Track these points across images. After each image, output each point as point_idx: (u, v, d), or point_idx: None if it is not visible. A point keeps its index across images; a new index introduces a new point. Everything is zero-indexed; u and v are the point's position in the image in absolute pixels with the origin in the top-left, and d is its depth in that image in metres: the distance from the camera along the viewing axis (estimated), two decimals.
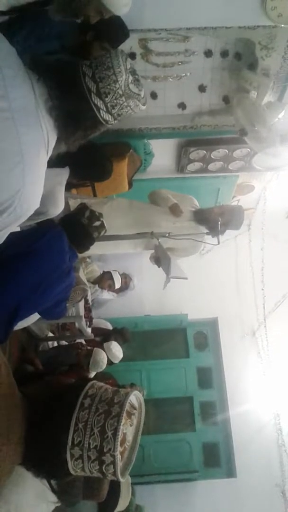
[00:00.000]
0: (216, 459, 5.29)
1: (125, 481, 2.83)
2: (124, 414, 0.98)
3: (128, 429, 1.01)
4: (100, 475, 0.98)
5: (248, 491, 4.84)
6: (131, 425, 1.03)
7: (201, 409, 5.47)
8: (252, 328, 5.56)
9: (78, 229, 2.28)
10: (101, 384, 1.07)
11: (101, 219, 2.32)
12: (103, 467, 0.95)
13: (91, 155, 2.61)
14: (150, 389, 5.30)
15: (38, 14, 2.34)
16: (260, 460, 4.99)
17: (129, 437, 1.02)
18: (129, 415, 1.03)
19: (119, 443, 0.95)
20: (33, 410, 1.01)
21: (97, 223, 2.30)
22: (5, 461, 0.93)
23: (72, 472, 0.98)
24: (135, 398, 1.07)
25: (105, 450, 0.95)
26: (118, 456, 0.95)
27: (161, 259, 3.32)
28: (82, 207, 2.35)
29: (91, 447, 0.95)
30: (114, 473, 0.96)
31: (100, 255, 4.91)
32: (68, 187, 2.74)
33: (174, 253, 3.49)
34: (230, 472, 5.12)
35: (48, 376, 3.22)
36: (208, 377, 5.63)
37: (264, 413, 5.19)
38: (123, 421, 0.97)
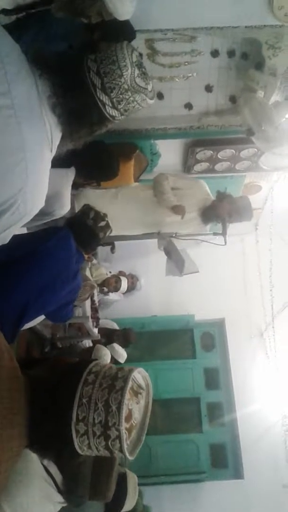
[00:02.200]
0: (223, 460, 5.28)
1: (132, 481, 2.82)
2: (128, 389, 0.97)
3: (134, 406, 1.00)
4: (107, 452, 0.97)
5: (256, 493, 4.81)
6: (137, 403, 1.02)
7: (208, 410, 5.46)
8: (259, 329, 5.53)
9: (84, 230, 2.27)
10: (105, 363, 1.07)
11: (106, 219, 2.33)
12: (109, 442, 0.95)
13: (97, 154, 2.62)
14: (157, 389, 5.29)
15: (45, 14, 2.35)
16: (268, 461, 4.96)
17: (136, 415, 1.01)
18: (136, 393, 1.02)
19: (123, 417, 0.94)
20: (37, 391, 1.01)
21: (102, 223, 2.30)
22: (12, 443, 0.93)
23: (78, 450, 0.97)
24: (141, 377, 1.06)
25: (110, 424, 0.94)
26: (124, 431, 0.94)
27: (172, 255, 3.33)
28: (86, 208, 2.35)
29: (96, 422, 0.94)
30: (121, 449, 0.95)
31: (106, 256, 4.91)
32: (75, 186, 2.74)
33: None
34: (238, 474, 5.10)
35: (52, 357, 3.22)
36: (215, 378, 5.61)
37: (271, 414, 5.17)
38: (127, 395, 0.96)
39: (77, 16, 2.26)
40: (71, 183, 2.61)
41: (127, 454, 0.96)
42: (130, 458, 0.98)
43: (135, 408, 1.01)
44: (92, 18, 2.23)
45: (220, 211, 3.43)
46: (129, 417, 0.97)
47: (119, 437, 0.94)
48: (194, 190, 3.55)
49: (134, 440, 1.01)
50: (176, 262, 3.25)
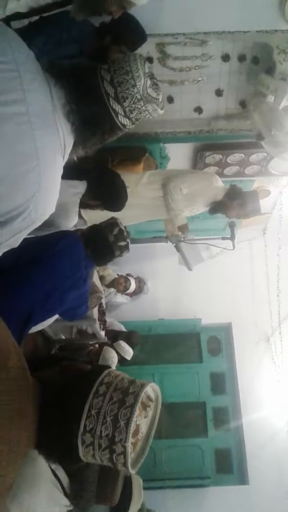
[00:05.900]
0: (228, 466, 5.26)
1: (137, 484, 2.82)
2: (139, 405, 0.97)
3: (142, 420, 1.00)
4: (111, 464, 0.98)
5: (260, 499, 4.79)
6: (145, 417, 1.02)
7: (214, 414, 5.44)
8: (266, 334, 5.51)
9: (103, 244, 2.25)
10: (118, 372, 1.07)
11: (128, 240, 2.29)
12: (114, 456, 0.95)
13: (113, 183, 2.56)
14: (163, 393, 5.18)
15: (57, 18, 2.36)
16: (273, 467, 4.93)
17: (143, 429, 1.01)
18: (145, 406, 1.02)
19: (131, 434, 0.94)
20: (47, 394, 1.01)
21: (122, 243, 2.26)
22: (20, 444, 0.94)
23: (82, 458, 0.98)
24: (152, 390, 1.06)
25: (116, 439, 0.94)
26: (130, 447, 0.94)
27: (180, 252, 3.40)
28: (113, 223, 2.30)
29: (103, 435, 0.95)
30: (125, 464, 0.95)
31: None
32: (80, 205, 2.63)
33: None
34: (242, 479, 5.08)
35: (65, 361, 3.21)
36: (221, 383, 5.60)
37: (277, 420, 5.14)
38: (137, 412, 0.96)
39: (98, 14, 2.24)
40: (80, 196, 2.53)
41: (130, 469, 0.96)
42: (132, 471, 0.99)
43: (143, 422, 1.01)
44: (114, 13, 2.20)
45: (229, 212, 3.48)
46: (136, 432, 0.97)
47: (124, 452, 0.94)
48: (206, 189, 3.49)
49: (137, 453, 1.01)
50: (184, 260, 3.38)
